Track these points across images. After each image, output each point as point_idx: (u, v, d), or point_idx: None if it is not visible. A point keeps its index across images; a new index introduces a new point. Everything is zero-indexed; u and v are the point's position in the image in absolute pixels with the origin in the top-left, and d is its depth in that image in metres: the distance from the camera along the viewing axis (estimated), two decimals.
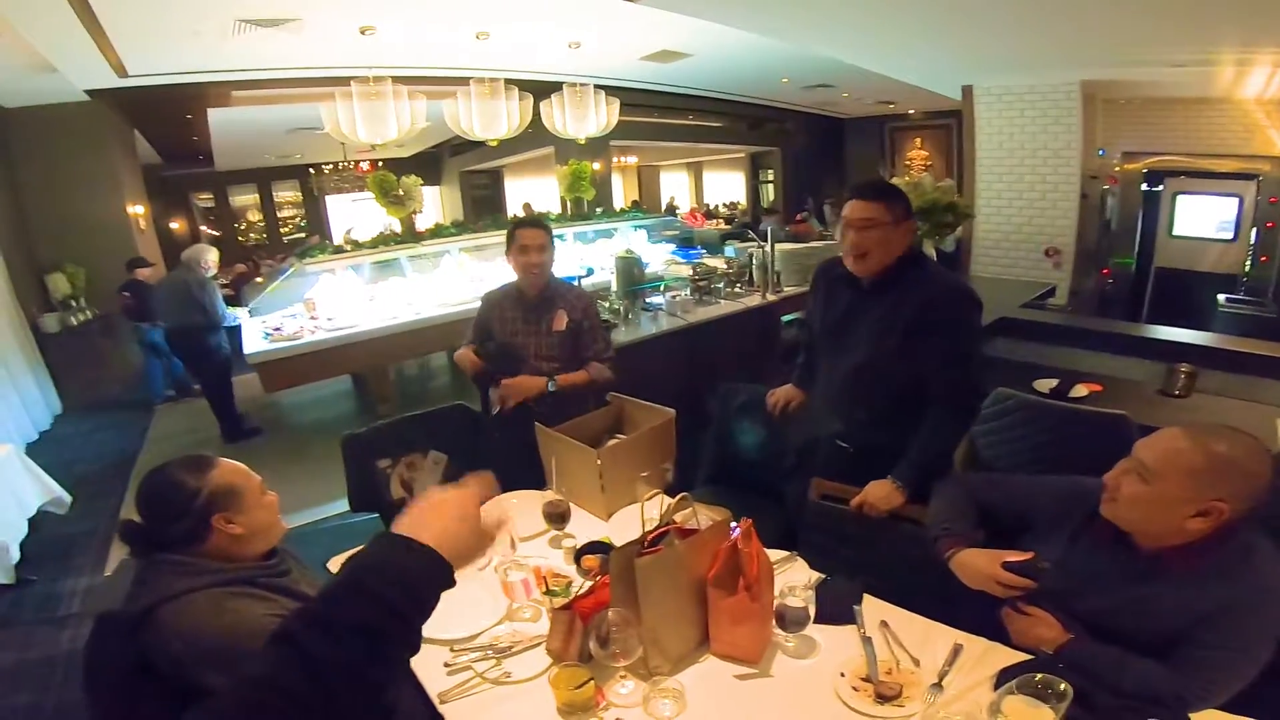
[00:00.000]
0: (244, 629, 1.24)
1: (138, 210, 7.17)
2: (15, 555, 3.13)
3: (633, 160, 15.12)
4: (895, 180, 4.19)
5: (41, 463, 3.63)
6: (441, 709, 1.30)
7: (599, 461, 1.93)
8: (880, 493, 1.74)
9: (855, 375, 1.87)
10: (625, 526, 1.85)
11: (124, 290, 5.79)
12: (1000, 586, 1.30)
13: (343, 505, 2.41)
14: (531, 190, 12.43)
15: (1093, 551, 1.31)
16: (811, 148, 12.79)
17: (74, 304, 6.45)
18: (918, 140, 12.19)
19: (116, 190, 6.84)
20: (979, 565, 1.35)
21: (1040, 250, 6.27)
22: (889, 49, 5.66)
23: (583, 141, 6.36)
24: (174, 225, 12.25)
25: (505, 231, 2.57)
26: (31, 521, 3.37)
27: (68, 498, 3.62)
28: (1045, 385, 2.76)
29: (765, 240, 4.55)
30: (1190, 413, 2.54)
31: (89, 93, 6.08)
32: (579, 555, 1.70)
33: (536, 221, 2.59)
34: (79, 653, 1.33)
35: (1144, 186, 6.09)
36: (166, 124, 8.21)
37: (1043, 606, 1.29)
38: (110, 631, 1.30)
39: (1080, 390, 2.72)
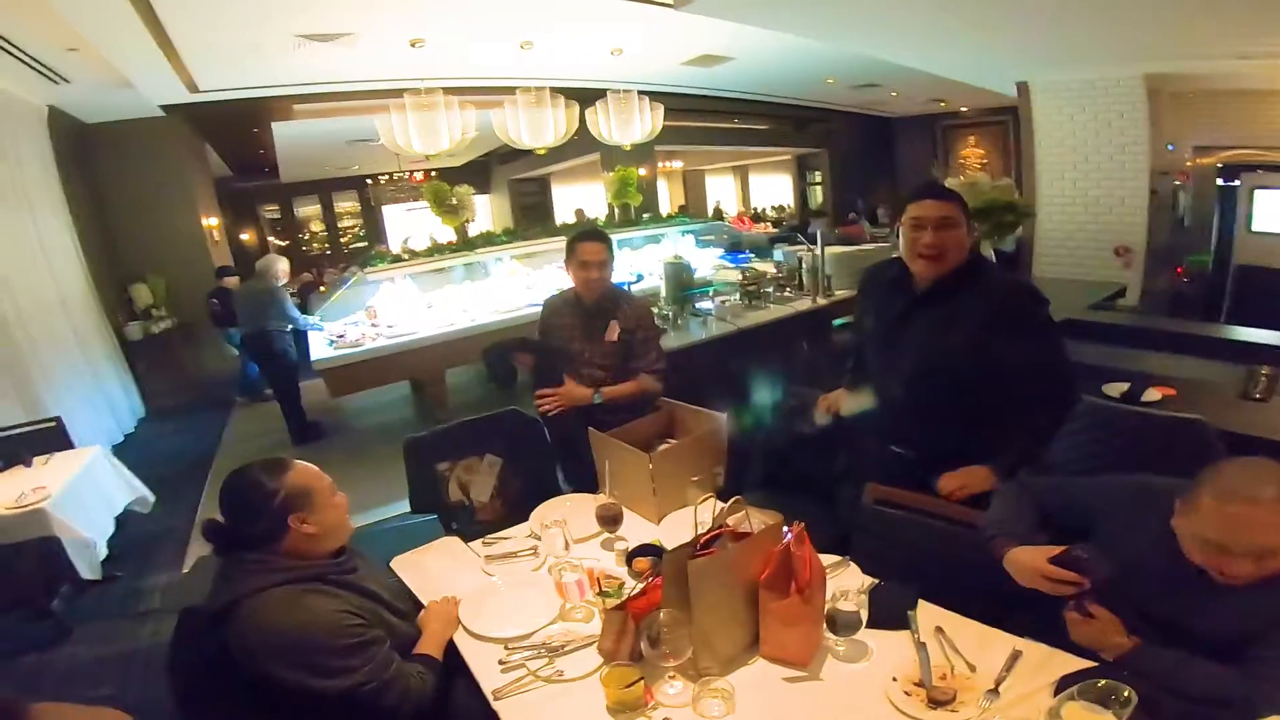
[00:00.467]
0: (316, 625, 1.31)
1: (212, 222, 7.53)
2: (103, 552, 3.23)
3: (678, 165, 15.14)
4: (949, 181, 4.10)
5: (127, 463, 3.83)
6: (495, 705, 1.34)
7: (651, 465, 1.95)
8: (979, 475, 1.74)
9: (913, 381, 1.84)
10: (676, 530, 1.87)
11: (212, 297, 6.25)
12: (1048, 582, 1.27)
13: (402, 506, 2.49)
14: (579, 196, 12.59)
15: (1161, 554, 1.27)
16: (860, 148, 12.58)
17: (155, 312, 6.83)
18: (972, 138, 11.86)
19: (191, 202, 7.18)
20: (1026, 561, 1.33)
21: (1108, 249, 6.00)
22: (936, 46, 5.52)
23: (628, 148, 6.41)
24: (244, 236, 12.84)
25: (555, 238, 2.61)
26: (117, 520, 3.52)
27: (152, 497, 3.80)
28: (1115, 389, 2.66)
29: (814, 243, 4.51)
30: (1274, 415, 2.41)
31: (164, 108, 6.39)
32: (630, 557, 1.73)
33: (597, 234, 2.55)
34: (159, 647, 1.41)
35: (1219, 181, 5.77)
36: (235, 137, 8.59)
37: (1108, 608, 1.26)
38: (194, 625, 1.38)
39: (1153, 394, 2.61)
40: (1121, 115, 5.64)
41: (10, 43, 4.28)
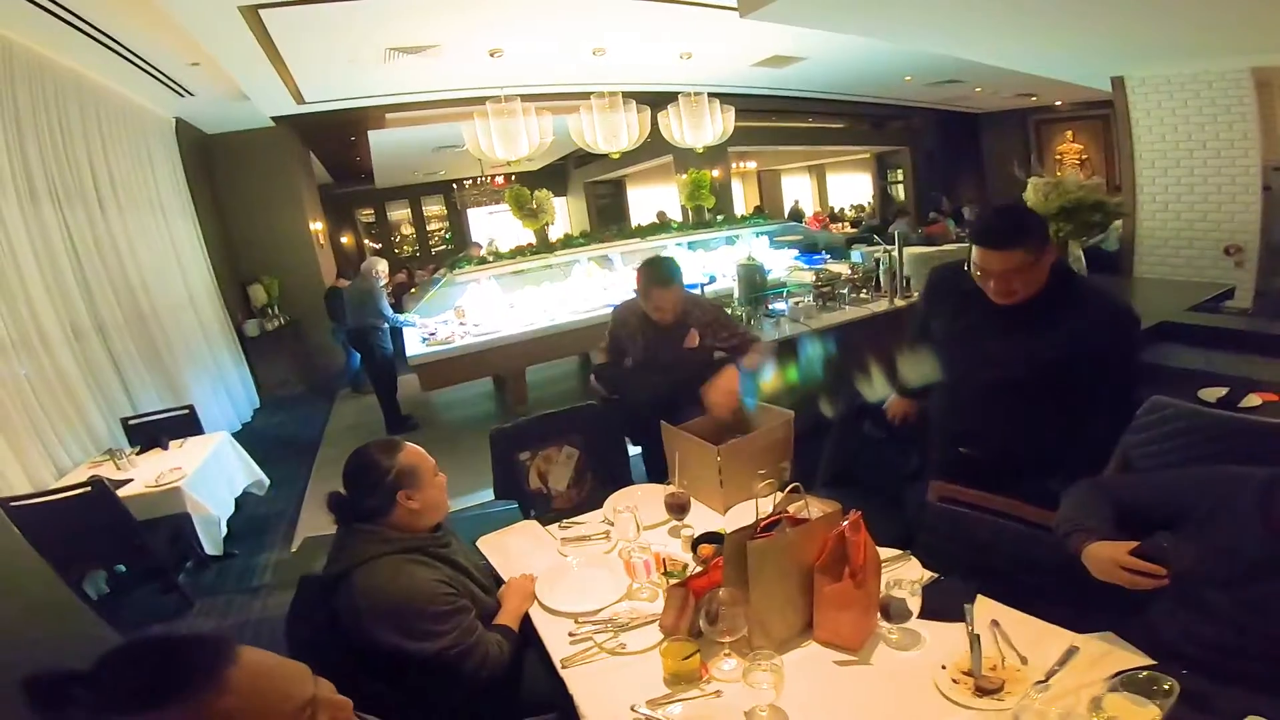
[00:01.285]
0: (415, 591, 1.48)
1: (317, 226, 8.11)
2: (224, 530, 3.52)
3: (752, 165, 15.03)
4: (1034, 181, 3.95)
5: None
6: (562, 673, 1.46)
7: (719, 458, 2.03)
8: None
9: (997, 391, 1.84)
10: (741, 520, 1.92)
11: (327, 297, 6.95)
12: (1127, 575, 1.24)
13: (486, 494, 2.65)
14: (654, 198, 12.75)
15: (1254, 537, 1.23)
16: (944, 145, 12.12)
17: (269, 311, 7.42)
18: (1069, 132, 11.20)
19: (300, 208, 7.76)
20: (1105, 554, 1.30)
21: (1217, 248, 5.59)
22: (1018, 44, 5.26)
23: (700, 150, 6.48)
24: (344, 239, 13.72)
25: (630, 240, 2.70)
26: (235, 501, 3.84)
27: (267, 480, 4.14)
28: (1212, 394, 2.52)
29: (894, 244, 4.46)
30: None
31: (274, 119, 6.97)
32: (695, 544, 1.83)
33: (669, 277, 2.55)
34: (269, 621, 1.57)
35: None
36: (335, 146, 9.24)
37: (1198, 594, 1.24)
38: (311, 591, 1.56)
39: (1253, 400, 2.45)
40: (1228, 109, 5.24)
41: (142, 58, 4.81)
